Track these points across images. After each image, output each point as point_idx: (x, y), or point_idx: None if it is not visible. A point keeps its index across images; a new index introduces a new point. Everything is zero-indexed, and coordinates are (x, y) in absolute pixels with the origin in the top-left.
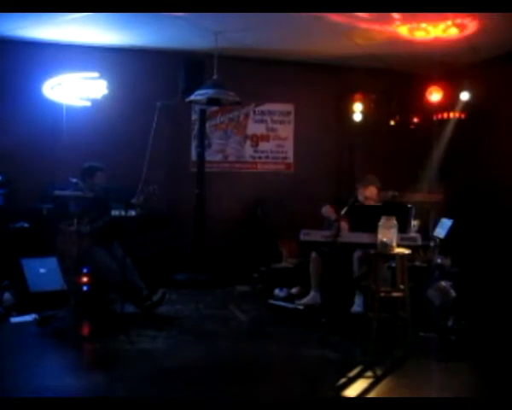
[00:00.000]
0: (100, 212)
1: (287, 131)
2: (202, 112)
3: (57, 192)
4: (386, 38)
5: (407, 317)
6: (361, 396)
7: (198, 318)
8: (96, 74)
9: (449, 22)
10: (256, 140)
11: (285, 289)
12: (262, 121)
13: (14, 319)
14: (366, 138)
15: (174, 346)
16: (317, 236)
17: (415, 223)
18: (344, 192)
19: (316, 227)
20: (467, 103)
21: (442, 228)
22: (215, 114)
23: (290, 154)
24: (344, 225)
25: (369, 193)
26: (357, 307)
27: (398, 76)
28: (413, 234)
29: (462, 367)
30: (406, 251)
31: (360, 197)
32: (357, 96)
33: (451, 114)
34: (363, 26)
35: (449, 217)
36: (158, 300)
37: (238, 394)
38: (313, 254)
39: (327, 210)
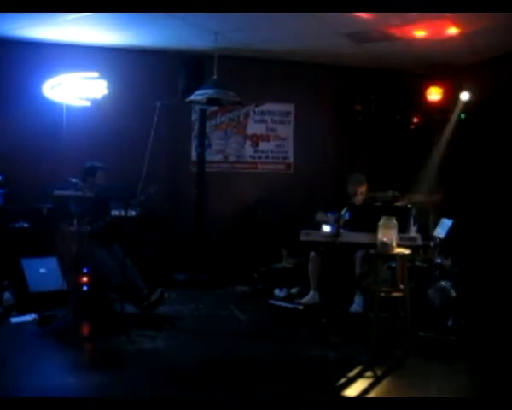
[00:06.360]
0: (100, 212)
1: (287, 131)
2: (202, 112)
3: (57, 192)
4: (386, 38)
5: (407, 317)
6: (361, 396)
7: (198, 318)
8: (96, 74)
9: (448, 21)
10: (256, 140)
11: (285, 289)
12: (262, 121)
13: (14, 319)
14: (366, 138)
15: (174, 346)
16: (317, 236)
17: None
18: (344, 192)
19: (315, 227)
20: (467, 103)
21: (442, 228)
22: (215, 114)
23: (290, 154)
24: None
25: (358, 192)
26: (356, 306)
27: (398, 76)
28: (413, 234)
29: (462, 367)
30: (406, 251)
31: (352, 198)
32: (357, 96)
33: (451, 114)
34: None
35: (449, 217)
36: (157, 299)
37: (238, 394)
38: (312, 254)
39: (321, 216)
